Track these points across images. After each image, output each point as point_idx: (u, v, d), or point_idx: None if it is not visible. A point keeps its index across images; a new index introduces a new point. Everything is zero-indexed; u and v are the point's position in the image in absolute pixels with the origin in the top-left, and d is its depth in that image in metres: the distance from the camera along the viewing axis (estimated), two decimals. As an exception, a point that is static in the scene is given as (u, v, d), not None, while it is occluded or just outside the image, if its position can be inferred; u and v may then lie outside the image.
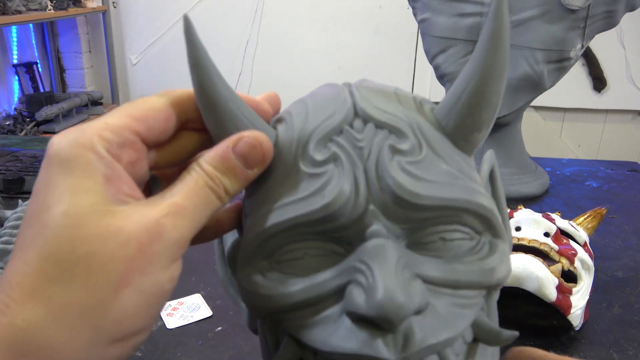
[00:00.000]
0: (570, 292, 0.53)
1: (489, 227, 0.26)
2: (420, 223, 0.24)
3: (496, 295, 0.27)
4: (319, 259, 0.25)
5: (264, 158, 0.25)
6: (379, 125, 0.25)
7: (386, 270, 0.22)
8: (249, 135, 0.25)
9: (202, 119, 0.26)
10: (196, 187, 0.24)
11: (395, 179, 0.23)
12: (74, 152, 0.22)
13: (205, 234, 0.26)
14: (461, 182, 0.25)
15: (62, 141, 0.22)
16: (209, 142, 0.27)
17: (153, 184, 0.27)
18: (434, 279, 0.24)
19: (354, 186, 0.24)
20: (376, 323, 0.22)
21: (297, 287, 0.24)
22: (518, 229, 0.57)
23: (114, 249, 0.21)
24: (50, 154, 0.22)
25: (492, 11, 0.23)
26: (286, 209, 0.24)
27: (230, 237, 0.30)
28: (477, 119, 0.25)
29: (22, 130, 2.19)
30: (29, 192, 0.85)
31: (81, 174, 0.22)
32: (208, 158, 0.24)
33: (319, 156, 0.25)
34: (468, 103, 0.25)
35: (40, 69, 2.54)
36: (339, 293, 0.24)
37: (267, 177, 0.26)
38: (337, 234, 0.25)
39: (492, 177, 0.31)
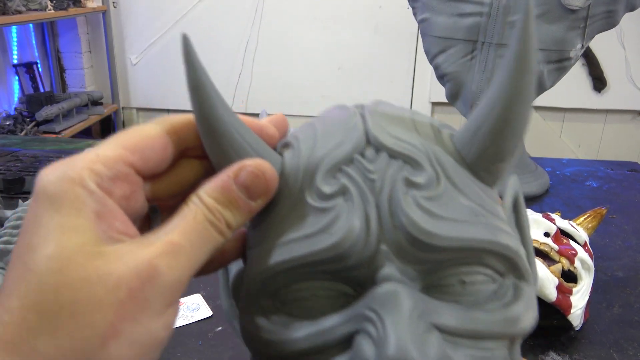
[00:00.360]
0: (570, 292, 0.53)
1: (513, 269, 0.23)
2: (437, 264, 0.22)
3: (520, 343, 0.25)
4: (327, 301, 0.23)
5: (267, 189, 0.23)
6: (393, 155, 0.23)
7: (399, 322, 0.20)
8: (251, 164, 0.23)
9: (203, 145, 0.24)
10: (195, 222, 0.22)
11: (410, 217, 0.22)
12: (62, 188, 0.20)
13: (208, 266, 0.25)
14: (483, 220, 0.23)
15: (49, 175, 0.21)
16: (211, 169, 0.25)
17: (153, 216, 0.26)
18: (451, 329, 0.22)
19: (365, 223, 0.22)
20: None
21: (302, 333, 0.23)
22: (518, 229, 0.57)
23: (102, 296, 0.19)
24: (38, 189, 0.21)
25: (517, 31, 0.21)
26: (291, 247, 0.23)
27: (235, 266, 0.29)
28: (501, 148, 0.23)
29: (22, 130, 2.19)
30: (29, 192, 0.85)
31: (69, 211, 0.20)
32: (208, 189, 0.23)
33: (327, 188, 0.23)
34: (491, 130, 0.23)
35: (40, 69, 2.53)
36: (346, 341, 0.22)
37: (271, 208, 0.24)
38: (346, 274, 0.23)
39: (516, 205, 0.29)
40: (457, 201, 0.23)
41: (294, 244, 0.23)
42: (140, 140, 0.23)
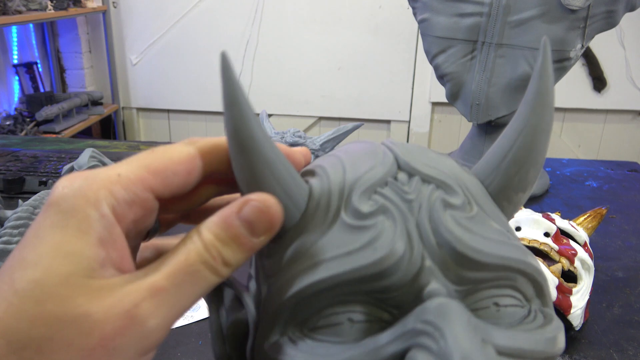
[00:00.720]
0: (570, 292, 0.53)
1: (539, 294, 0.24)
2: (475, 285, 0.22)
3: None
4: (364, 326, 0.22)
5: (271, 225, 0.22)
6: (426, 180, 0.24)
7: (460, 332, 0.19)
8: (256, 198, 0.22)
9: (226, 171, 0.24)
10: (186, 263, 0.21)
11: (454, 233, 0.22)
12: (75, 205, 0.20)
13: None
14: (514, 242, 0.23)
15: (66, 188, 0.20)
16: (223, 193, 0.25)
17: (152, 228, 0.25)
18: (499, 347, 0.21)
19: (408, 241, 0.22)
20: None
21: (344, 355, 0.21)
22: (518, 229, 0.57)
23: (72, 338, 0.18)
24: (52, 199, 0.20)
25: (537, 68, 0.23)
26: (330, 264, 0.22)
27: (232, 311, 0.28)
28: (523, 177, 0.24)
29: (22, 130, 2.19)
30: (29, 192, 0.85)
31: (73, 232, 0.20)
32: (210, 224, 0.22)
33: (365, 207, 0.23)
34: (515, 160, 0.24)
35: (40, 69, 2.54)
36: None
37: (300, 231, 0.23)
38: (384, 295, 0.22)
39: None
40: (489, 224, 0.23)
41: (334, 262, 0.22)
42: (165, 164, 0.22)
